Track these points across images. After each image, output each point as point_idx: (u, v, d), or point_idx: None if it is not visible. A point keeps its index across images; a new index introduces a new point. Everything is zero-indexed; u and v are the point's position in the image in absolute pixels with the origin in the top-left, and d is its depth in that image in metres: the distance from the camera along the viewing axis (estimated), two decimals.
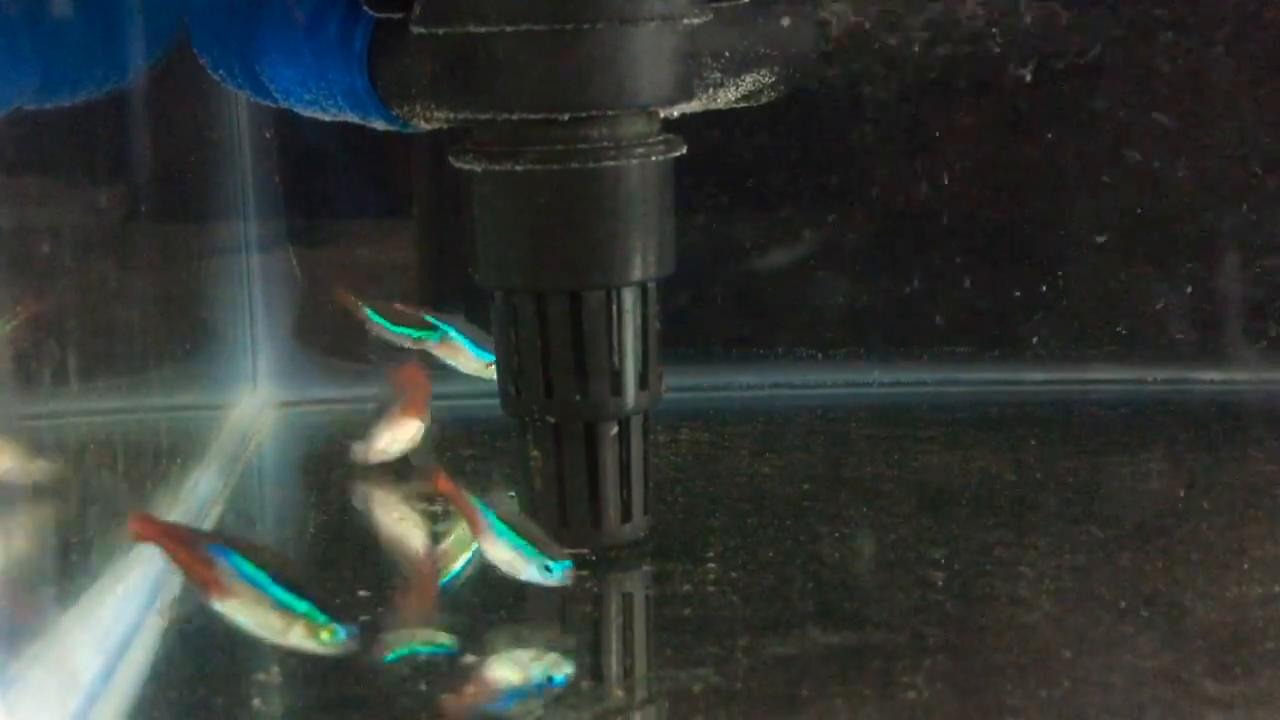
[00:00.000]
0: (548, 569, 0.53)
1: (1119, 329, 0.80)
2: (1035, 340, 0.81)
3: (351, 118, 0.61)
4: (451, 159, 0.57)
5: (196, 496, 0.66)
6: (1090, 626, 0.52)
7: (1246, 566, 0.56)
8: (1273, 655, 0.49)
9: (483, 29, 0.53)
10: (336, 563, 0.60)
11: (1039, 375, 0.81)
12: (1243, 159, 0.78)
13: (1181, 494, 0.65)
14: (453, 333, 0.69)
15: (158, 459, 0.63)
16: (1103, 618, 0.53)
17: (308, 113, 0.62)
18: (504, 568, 0.54)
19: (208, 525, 0.64)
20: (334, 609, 0.46)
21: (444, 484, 0.56)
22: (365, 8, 0.55)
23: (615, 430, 0.58)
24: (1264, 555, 0.57)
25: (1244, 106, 0.78)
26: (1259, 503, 0.63)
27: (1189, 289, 0.79)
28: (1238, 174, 0.78)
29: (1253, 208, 0.78)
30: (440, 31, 0.54)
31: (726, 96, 0.62)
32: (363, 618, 0.53)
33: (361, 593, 0.56)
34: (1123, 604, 0.53)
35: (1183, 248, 0.79)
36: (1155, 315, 0.80)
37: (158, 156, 0.66)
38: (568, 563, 0.53)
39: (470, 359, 0.69)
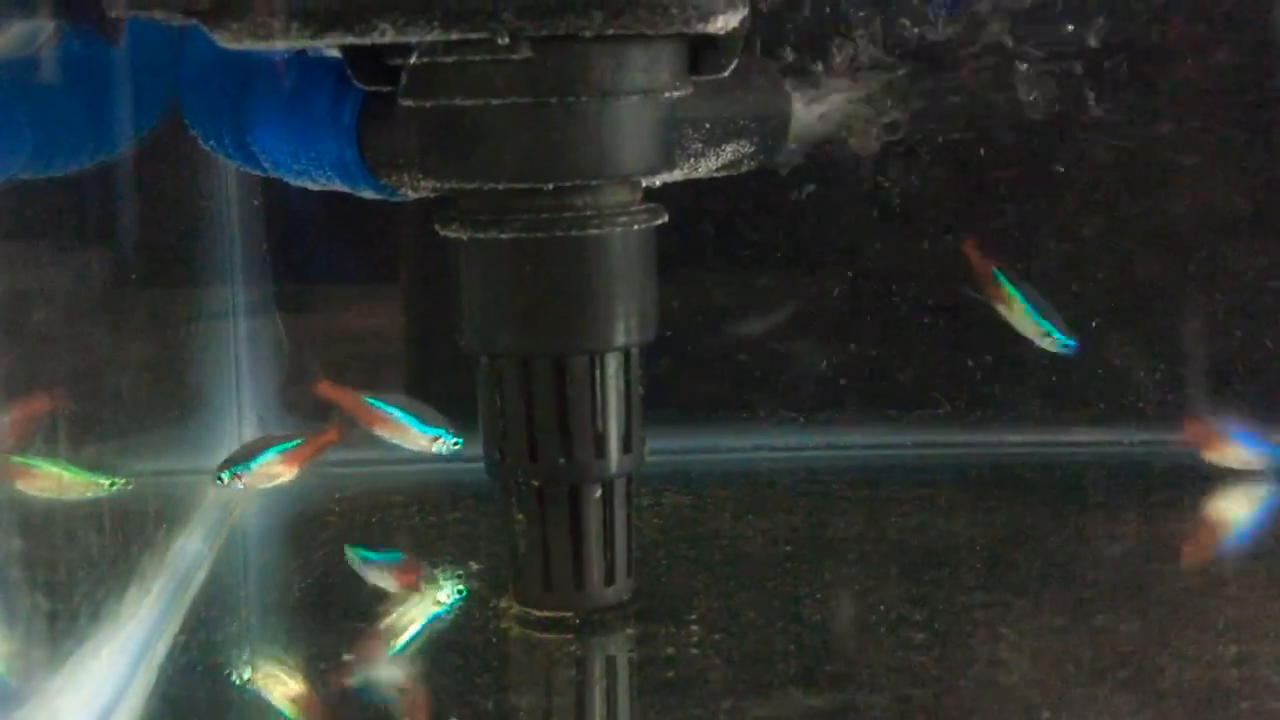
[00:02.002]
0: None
1: (1095, 392, 0.81)
2: (1013, 403, 0.82)
3: (340, 187, 0.62)
4: (438, 227, 0.58)
5: (182, 560, 0.66)
6: (1068, 688, 0.52)
7: (1221, 626, 0.57)
8: (1248, 716, 0.50)
9: (468, 102, 0.55)
10: (321, 625, 0.60)
11: (1017, 437, 0.82)
12: (1211, 226, 0.80)
13: (1157, 555, 0.65)
14: (397, 413, 0.71)
15: (144, 523, 0.64)
16: (1080, 679, 0.53)
17: (297, 182, 0.63)
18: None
19: (192, 590, 0.64)
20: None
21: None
22: (354, 81, 0.57)
23: (599, 493, 0.58)
24: (1238, 616, 0.58)
25: (1212, 174, 0.79)
26: (1232, 563, 0.64)
27: (1161, 353, 0.81)
28: (1207, 244, 0.80)
29: (1220, 275, 0.80)
30: (427, 104, 0.56)
31: (707, 166, 0.64)
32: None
33: (347, 657, 0.56)
34: (1100, 665, 0.54)
35: (1154, 312, 0.81)
36: (1130, 378, 0.81)
37: (147, 224, 0.67)
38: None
39: (417, 436, 0.70)
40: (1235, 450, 0.70)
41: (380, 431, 0.71)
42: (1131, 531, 0.68)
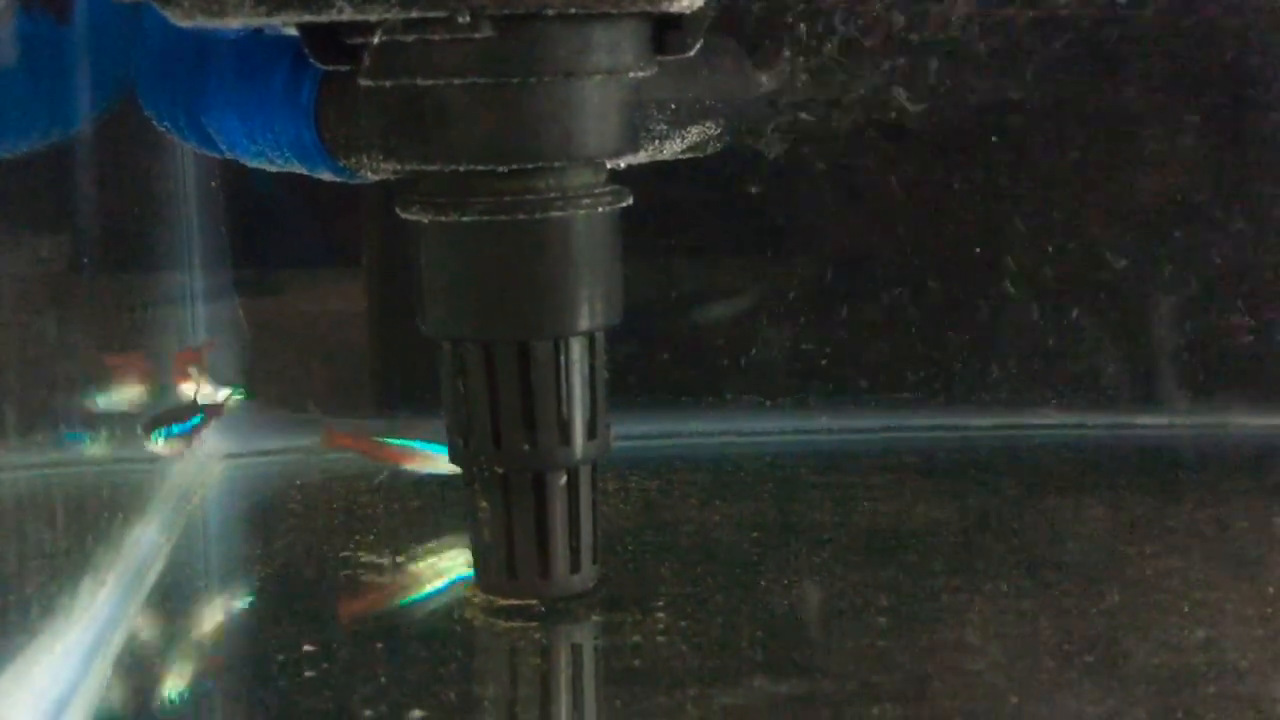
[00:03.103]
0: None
1: (1060, 375, 0.81)
2: (980, 387, 0.82)
3: (299, 169, 0.61)
4: (399, 210, 0.57)
5: (138, 551, 0.65)
6: (1035, 672, 0.52)
7: (1187, 609, 0.57)
8: (1214, 699, 0.50)
9: (429, 82, 0.54)
10: (281, 616, 0.59)
11: (983, 421, 0.82)
12: (1176, 208, 0.80)
13: (1123, 538, 0.65)
14: (416, 445, 0.70)
15: (99, 513, 0.62)
16: (1048, 663, 0.53)
17: (254, 164, 0.62)
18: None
19: (149, 580, 0.63)
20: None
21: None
22: (312, 61, 0.56)
23: (564, 480, 0.58)
24: (1204, 598, 0.58)
25: (1175, 159, 0.79)
26: (1198, 546, 0.64)
27: (1129, 336, 0.81)
28: (1169, 224, 0.80)
29: (1184, 257, 0.80)
30: (387, 84, 0.55)
31: (672, 147, 0.63)
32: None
33: (307, 647, 0.55)
34: (1067, 649, 0.54)
35: (1123, 296, 0.81)
36: (1094, 361, 0.81)
37: (101, 207, 0.66)
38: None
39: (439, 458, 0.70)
40: None
41: (405, 465, 0.71)
42: (1098, 515, 0.68)
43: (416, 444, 0.70)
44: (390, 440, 0.71)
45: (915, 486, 0.73)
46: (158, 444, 0.68)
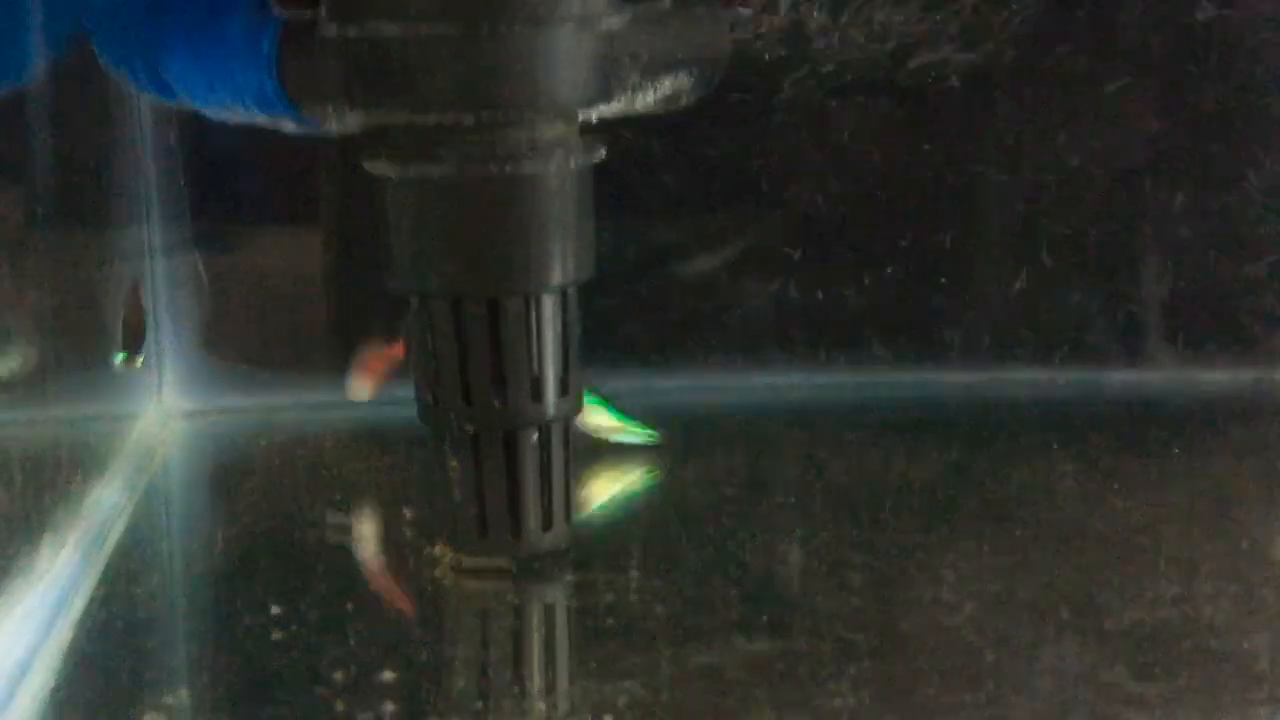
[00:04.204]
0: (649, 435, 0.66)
1: (1033, 330, 0.81)
2: (952, 343, 0.81)
3: (260, 120, 0.59)
4: (364, 163, 0.56)
5: (99, 511, 0.63)
6: (1012, 629, 0.52)
7: (1163, 565, 0.57)
8: (1190, 654, 0.50)
9: (395, 30, 0.52)
10: (247, 577, 0.58)
11: (957, 377, 0.81)
12: (1154, 166, 0.79)
13: (1097, 493, 0.65)
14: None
15: (57, 473, 0.61)
16: (1024, 619, 0.53)
17: (215, 115, 0.60)
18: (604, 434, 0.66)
19: (110, 542, 0.62)
20: None
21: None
22: (273, 8, 0.54)
23: (536, 438, 0.57)
24: (1179, 554, 0.58)
25: (1151, 118, 0.79)
26: (1172, 501, 0.64)
27: (1102, 291, 0.81)
28: (1149, 182, 0.80)
29: (1163, 213, 0.80)
30: (352, 32, 0.53)
31: (645, 100, 0.62)
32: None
33: (274, 610, 0.54)
34: (1043, 605, 0.54)
35: (1096, 251, 0.80)
36: (1069, 316, 0.81)
37: (56, 159, 0.64)
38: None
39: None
40: None
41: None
42: (1071, 470, 0.68)
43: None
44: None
45: (888, 443, 0.73)
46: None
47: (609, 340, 0.78)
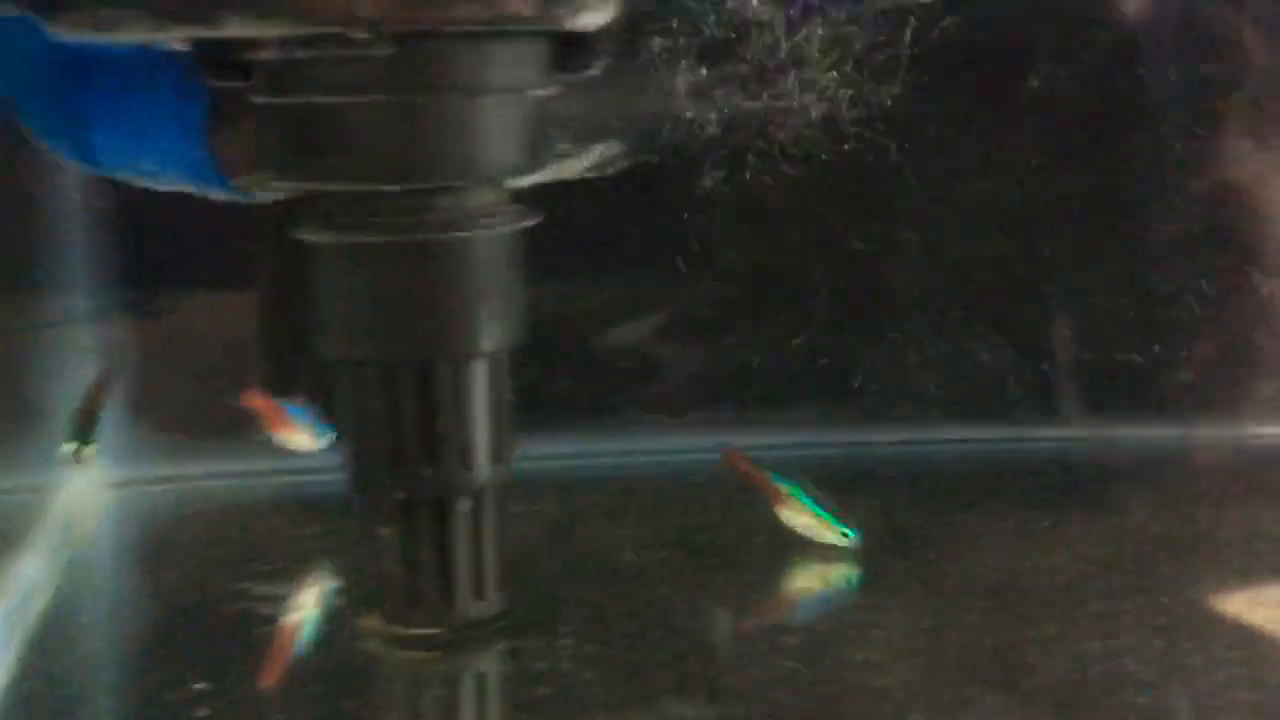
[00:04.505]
0: (845, 535, 0.64)
1: (964, 390, 0.82)
2: (882, 402, 0.82)
3: (188, 188, 0.59)
4: (294, 230, 0.56)
5: (18, 586, 0.62)
6: (940, 690, 0.53)
7: (1087, 621, 0.58)
8: (1114, 711, 0.51)
9: (326, 99, 0.52)
10: (171, 651, 0.57)
11: (886, 437, 0.82)
12: (1068, 221, 0.81)
13: (1026, 551, 0.66)
14: None
15: None
16: (952, 679, 0.53)
17: (142, 183, 0.60)
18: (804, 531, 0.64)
19: (31, 616, 0.60)
20: None
21: (736, 460, 0.66)
22: (203, 78, 0.54)
23: (468, 505, 0.57)
24: (1103, 610, 0.59)
25: (1070, 168, 0.81)
26: (1096, 557, 0.65)
27: (1023, 349, 0.82)
28: (1062, 240, 0.81)
29: (1077, 271, 0.81)
30: (283, 101, 0.53)
31: (576, 166, 0.63)
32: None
33: (199, 685, 0.53)
34: (971, 664, 0.54)
35: (1008, 310, 0.82)
36: (994, 375, 0.82)
37: None
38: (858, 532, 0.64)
39: None
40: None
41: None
42: (999, 528, 0.69)
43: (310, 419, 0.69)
44: (292, 408, 0.70)
45: None
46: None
47: (534, 403, 0.78)
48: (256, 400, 0.70)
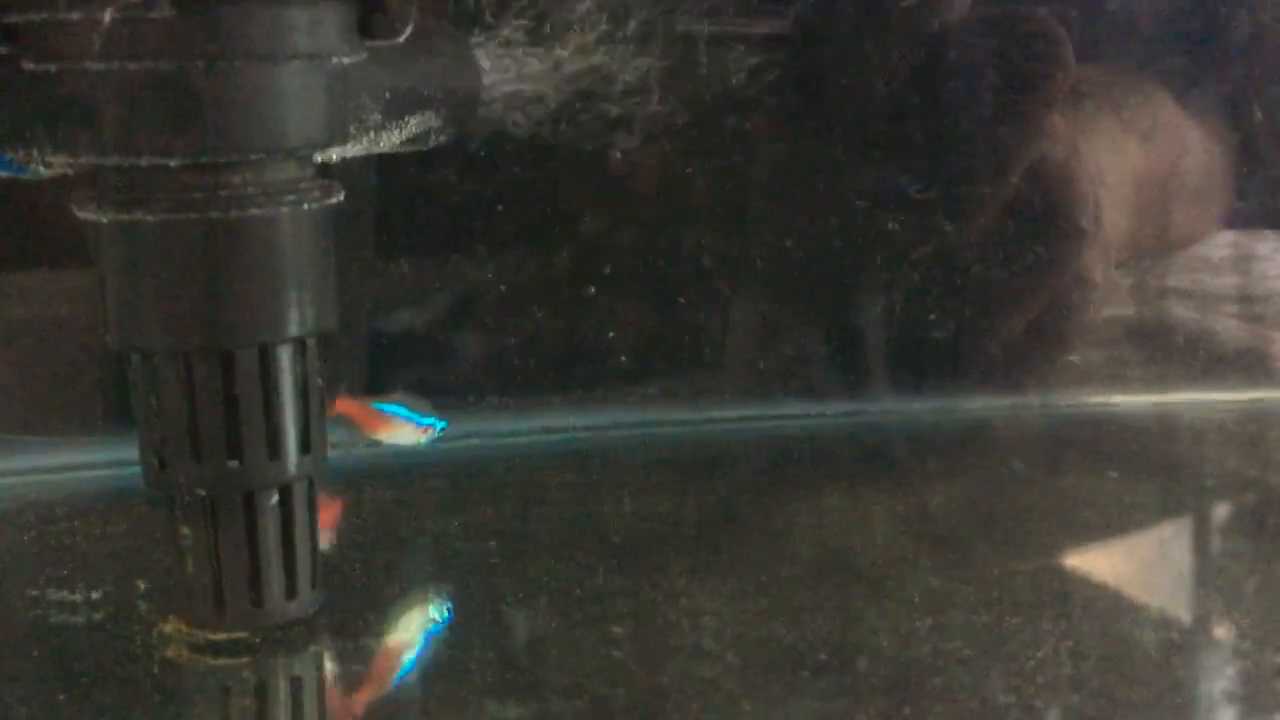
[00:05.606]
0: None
1: (802, 364, 0.81)
2: (722, 378, 0.81)
3: None
4: (74, 208, 0.51)
5: None
6: (770, 676, 0.51)
7: (916, 599, 0.57)
8: (940, 691, 0.50)
9: (100, 66, 0.48)
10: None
11: (726, 413, 0.81)
12: (885, 203, 0.80)
13: (856, 530, 0.65)
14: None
15: None
16: (782, 664, 0.52)
17: None
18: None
19: None
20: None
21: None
22: None
23: (276, 499, 0.53)
24: (930, 586, 0.59)
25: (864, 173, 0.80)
26: (926, 532, 0.65)
27: (834, 327, 0.81)
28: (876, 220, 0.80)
29: (883, 248, 0.80)
30: (53, 68, 0.49)
31: (390, 139, 0.59)
32: None
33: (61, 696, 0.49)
34: (800, 648, 0.53)
35: (829, 286, 0.80)
36: (805, 351, 0.81)
37: None
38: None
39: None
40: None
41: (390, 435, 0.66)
42: (833, 505, 0.68)
43: (411, 414, 0.67)
44: (386, 407, 0.66)
45: (658, 483, 0.72)
46: None
47: (370, 387, 0.75)
48: (348, 405, 0.65)
